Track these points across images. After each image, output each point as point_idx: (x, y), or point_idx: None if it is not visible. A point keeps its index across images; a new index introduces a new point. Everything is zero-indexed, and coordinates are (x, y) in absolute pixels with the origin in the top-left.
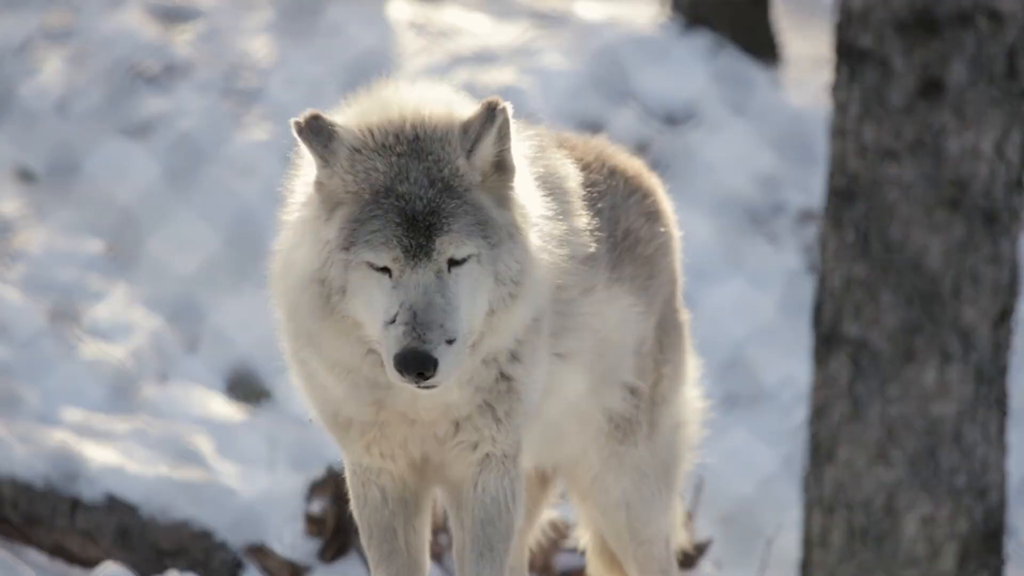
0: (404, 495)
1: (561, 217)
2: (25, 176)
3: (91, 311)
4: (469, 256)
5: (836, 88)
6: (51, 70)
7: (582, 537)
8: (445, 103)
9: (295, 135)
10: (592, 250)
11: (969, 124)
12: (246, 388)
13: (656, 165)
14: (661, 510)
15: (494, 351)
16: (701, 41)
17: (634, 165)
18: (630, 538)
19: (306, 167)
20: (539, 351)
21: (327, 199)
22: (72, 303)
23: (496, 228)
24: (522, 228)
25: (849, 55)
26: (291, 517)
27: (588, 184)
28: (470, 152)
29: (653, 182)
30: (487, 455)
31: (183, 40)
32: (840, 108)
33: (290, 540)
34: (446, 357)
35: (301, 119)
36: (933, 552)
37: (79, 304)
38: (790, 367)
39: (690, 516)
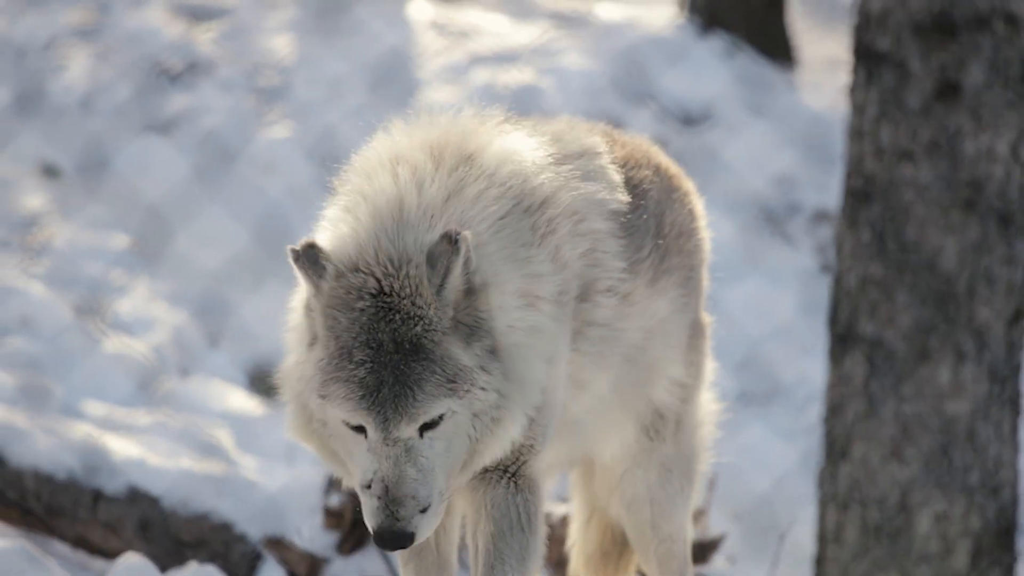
0: None
1: (597, 245)
2: (51, 172)
3: (115, 306)
4: (442, 416)
5: (854, 90)
6: (77, 67)
7: (574, 534)
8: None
9: (290, 260)
10: (626, 266)
11: (985, 127)
12: (267, 383)
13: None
14: (683, 507)
15: (497, 455)
16: (718, 43)
17: (675, 166)
18: (652, 534)
19: (302, 285)
20: (548, 396)
21: (311, 325)
22: (97, 298)
23: (465, 374)
24: (498, 346)
25: (867, 57)
26: (310, 510)
27: (636, 179)
28: (440, 289)
29: (691, 184)
30: (488, 472)
31: (207, 38)
32: (858, 110)
33: (309, 533)
34: (421, 525)
35: (298, 246)
36: (946, 549)
37: (104, 299)
38: (805, 365)
39: (703, 512)
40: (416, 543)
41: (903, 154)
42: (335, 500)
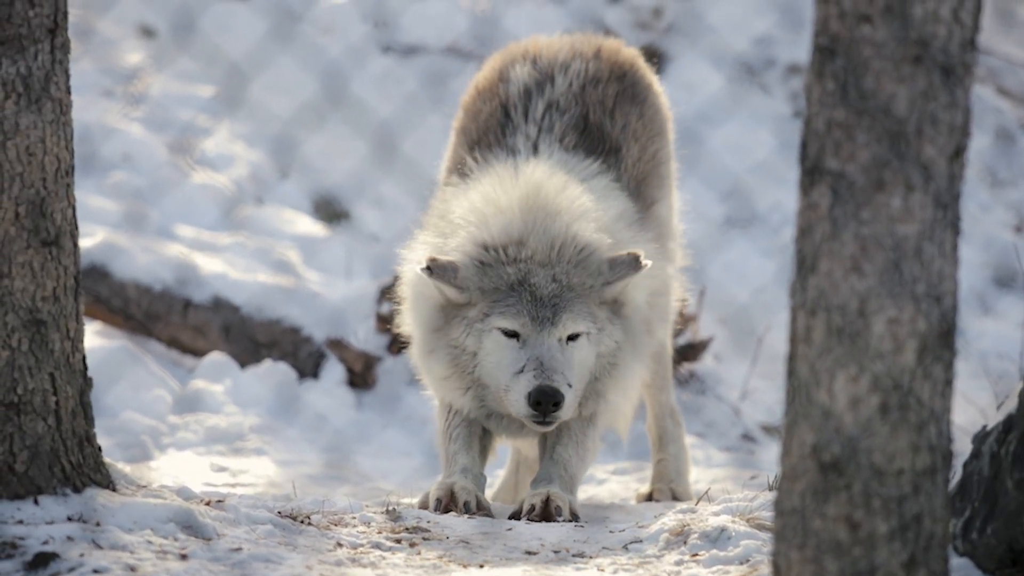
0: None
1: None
2: (148, 32)
3: (202, 145)
4: (580, 333)
5: None
6: None
7: None
8: (577, 228)
9: (426, 279)
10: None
11: None
12: (329, 210)
13: (670, 27)
14: (663, 326)
15: (618, 401)
16: None
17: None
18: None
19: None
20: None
21: (458, 307)
22: (186, 138)
23: (598, 319)
24: (622, 312)
25: None
26: (365, 316)
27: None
28: (607, 285)
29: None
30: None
31: None
32: None
33: (364, 335)
34: (567, 396)
35: (425, 266)
36: (897, 347)
37: (192, 139)
38: (780, 195)
39: (694, 318)
40: (560, 415)
41: (862, 17)
42: (386, 308)
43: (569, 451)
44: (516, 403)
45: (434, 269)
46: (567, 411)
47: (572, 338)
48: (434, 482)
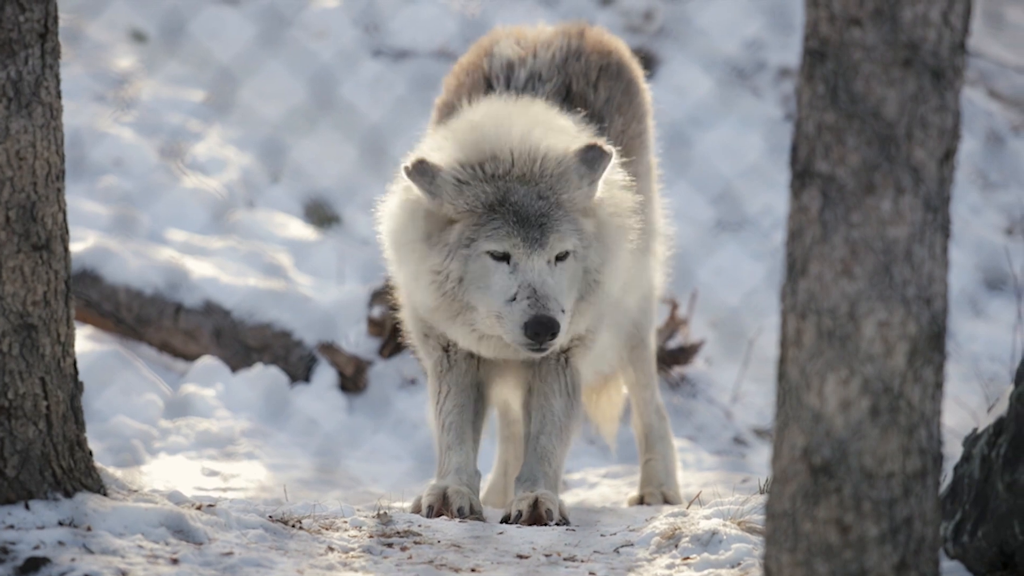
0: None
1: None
2: (138, 37)
3: (193, 149)
4: (568, 252)
5: None
6: None
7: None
8: (553, 139)
9: (404, 177)
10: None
11: None
12: (320, 213)
13: (661, 30)
14: (648, 323)
15: (594, 323)
16: None
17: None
18: (626, 341)
19: (402, 191)
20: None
21: (438, 220)
22: (177, 142)
23: (585, 234)
24: (603, 229)
25: None
26: (356, 320)
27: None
28: (592, 183)
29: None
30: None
31: None
32: None
33: (355, 339)
34: (562, 322)
35: (409, 164)
36: (887, 350)
37: (183, 143)
38: (770, 198)
39: (685, 321)
40: (556, 342)
41: (852, 20)
42: (377, 312)
43: (552, 441)
44: (512, 332)
45: (415, 168)
46: (562, 337)
47: (561, 258)
48: (427, 485)
